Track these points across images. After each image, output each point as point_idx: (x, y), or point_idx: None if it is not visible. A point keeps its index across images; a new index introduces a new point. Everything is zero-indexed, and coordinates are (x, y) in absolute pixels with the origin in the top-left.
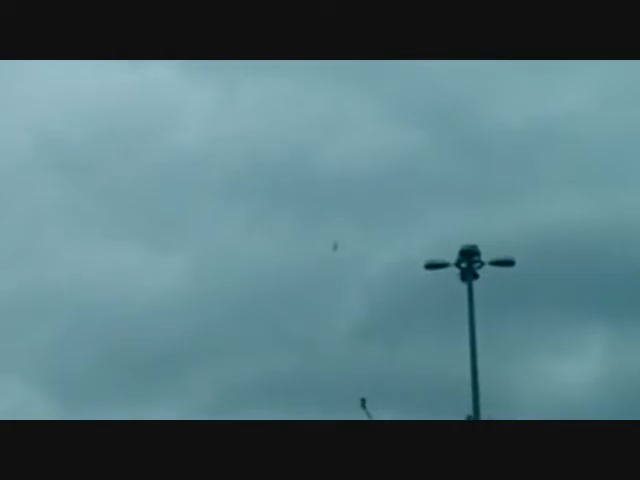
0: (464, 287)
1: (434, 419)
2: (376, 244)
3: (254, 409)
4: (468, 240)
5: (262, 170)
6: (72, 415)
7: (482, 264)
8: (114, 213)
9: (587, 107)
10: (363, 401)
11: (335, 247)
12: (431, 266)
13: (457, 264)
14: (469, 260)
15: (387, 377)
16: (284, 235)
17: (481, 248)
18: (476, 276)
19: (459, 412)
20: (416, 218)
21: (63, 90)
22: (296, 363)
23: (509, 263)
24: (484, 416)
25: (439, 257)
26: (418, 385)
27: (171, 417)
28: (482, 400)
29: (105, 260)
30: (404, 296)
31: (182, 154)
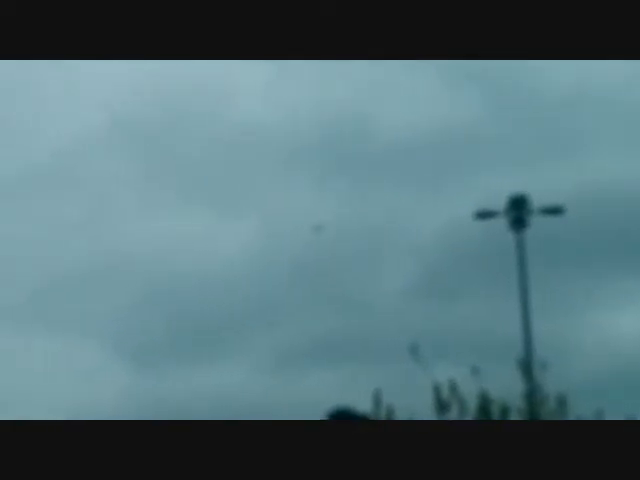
0: (514, 238)
1: (483, 367)
2: (429, 204)
3: (313, 367)
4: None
5: (323, 137)
6: (143, 375)
7: (532, 212)
8: (184, 183)
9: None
10: (414, 348)
11: (318, 230)
12: (481, 215)
13: (506, 213)
14: (519, 209)
15: (440, 332)
16: (343, 198)
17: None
18: (526, 225)
19: (512, 362)
20: (468, 179)
21: (132, 69)
22: (352, 322)
23: (559, 211)
24: (537, 363)
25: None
26: (471, 337)
27: (236, 376)
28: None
29: (176, 227)
30: (455, 251)
31: (247, 125)
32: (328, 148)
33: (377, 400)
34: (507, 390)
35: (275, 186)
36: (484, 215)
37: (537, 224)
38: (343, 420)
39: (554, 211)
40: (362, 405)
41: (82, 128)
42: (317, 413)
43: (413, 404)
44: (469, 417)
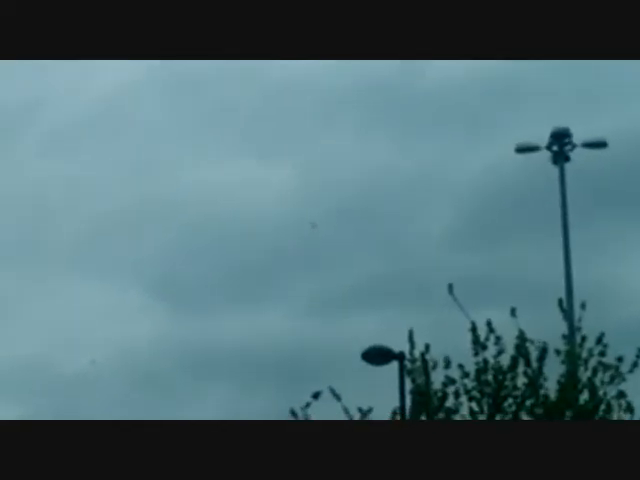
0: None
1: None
2: (472, 147)
3: (353, 310)
4: None
5: (367, 85)
6: (181, 319)
7: (574, 146)
8: (227, 131)
9: None
10: (450, 287)
11: (313, 226)
12: (522, 149)
13: (548, 147)
14: (560, 142)
15: (481, 274)
16: (386, 143)
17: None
18: (567, 159)
19: (553, 303)
20: (513, 122)
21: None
22: (393, 267)
23: (601, 145)
24: (577, 306)
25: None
26: (512, 279)
27: (276, 320)
28: (576, 291)
29: (220, 173)
30: (497, 191)
31: (289, 73)
32: (371, 95)
33: (411, 339)
34: (546, 331)
35: (318, 132)
36: (525, 149)
37: (579, 158)
38: (378, 358)
39: (596, 145)
40: (401, 347)
41: (131, 74)
42: (356, 355)
43: (450, 344)
44: (506, 356)
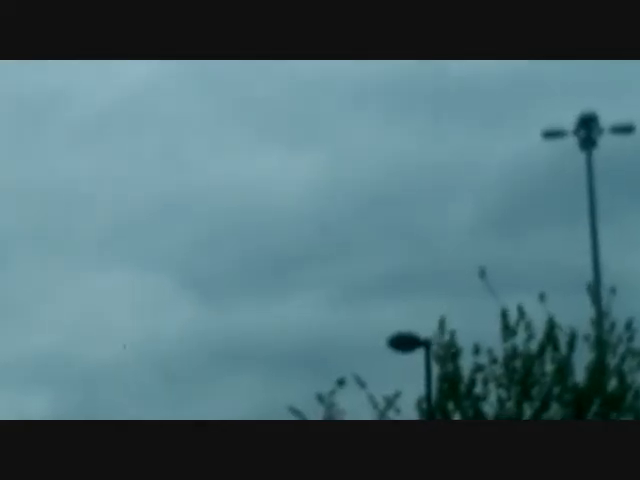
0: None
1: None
2: (499, 136)
3: (381, 300)
4: None
5: (394, 75)
6: (208, 310)
7: (601, 131)
8: (253, 123)
9: None
10: (482, 272)
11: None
12: (549, 135)
13: (576, 132)
14: (588, 127)
15: (509, 263)
16: (412, 134)
17: None
18: (595, 144)
19: (581, 289)
20: (537, 111)
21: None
22: (420, 256)
23: (629, 129)
24: (605, 288)
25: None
26: (540, 267)
27: (304, 309)
28: (604, 278)
29: (246, 163)
30: (525, 179)
31: (315, 66)
32: (398, 85)
33: (442, 326)
34: (575, 317)
35: (344, 122)
36: (552, 134)
37: (607, 143)
38: (404, 345)
39: (624, 130)
40: (427, 334)
41: (156, 71)
42: (383, 342)
43: (478, 331)
44: (536, 342)
